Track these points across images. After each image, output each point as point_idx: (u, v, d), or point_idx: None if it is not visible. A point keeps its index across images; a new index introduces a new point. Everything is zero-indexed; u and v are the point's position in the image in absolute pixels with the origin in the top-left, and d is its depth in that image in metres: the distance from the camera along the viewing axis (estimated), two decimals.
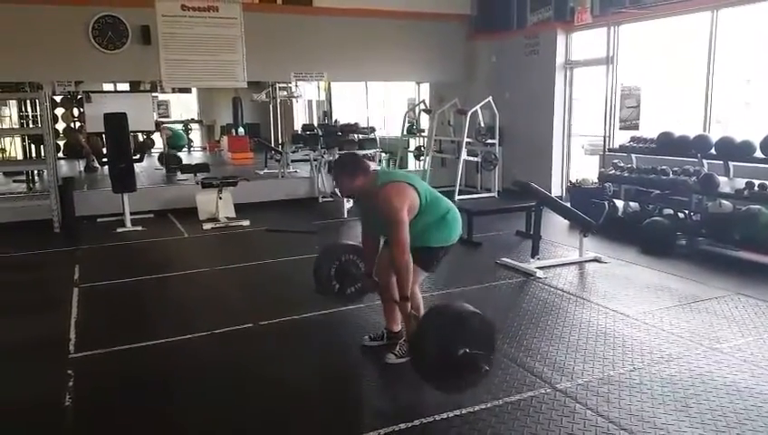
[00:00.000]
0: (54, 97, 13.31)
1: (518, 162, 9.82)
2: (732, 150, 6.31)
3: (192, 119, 19.52)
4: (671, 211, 6.75)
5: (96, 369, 3.75)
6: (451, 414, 3.02)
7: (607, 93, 7.86)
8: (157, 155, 14.50)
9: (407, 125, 11.88)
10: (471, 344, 2.95)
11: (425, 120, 11.97)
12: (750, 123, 7.25)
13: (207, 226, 7.88)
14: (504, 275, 5.50)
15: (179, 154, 14.77)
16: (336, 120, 14.45)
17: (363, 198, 3.58)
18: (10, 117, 14.88)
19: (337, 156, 9.34)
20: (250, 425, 3.06)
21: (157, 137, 15.14)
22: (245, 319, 4.41)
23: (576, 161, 9.50)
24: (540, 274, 5.41)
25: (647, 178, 6.94)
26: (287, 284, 5.48)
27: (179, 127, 17.72)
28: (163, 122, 15.41)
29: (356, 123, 11.79)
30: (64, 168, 13.04)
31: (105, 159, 8.08)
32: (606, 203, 6.67)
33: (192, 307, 4.94)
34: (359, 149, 10.67)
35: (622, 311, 4.47)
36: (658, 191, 6.85)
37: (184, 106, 19.69)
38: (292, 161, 12.37)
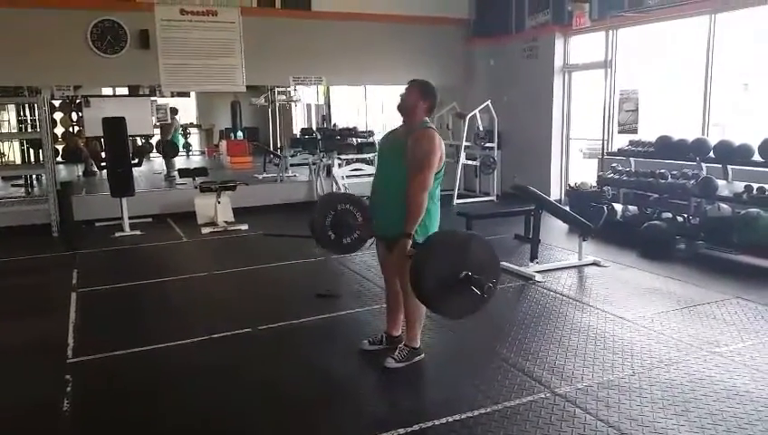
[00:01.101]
0: (53, 101, 13.32)
1: (517, 166, 9.82)
2: (730, 154, 6.32)
3: (191, 123, 19.53)
4: (670, 215, 6.75)
5: (94, 374, 3.74)
6: (450, 419, 3.01)
7: (605, 97, 7.87)
8: (156, 160, 14.48)
9: None
10: (473, 267, 2.97)
11: None
12: (748, 126, 7.26)
13: (206, 230, 7.88)
14: (503, 278, 5.47)
15: (174, 160, 14.71)
16: (335, 124, 14.48)
17: (398, 131, 3.62)
18: (8, 121, 14.88)
19: (338, 161, 9.34)
20: (248, 430, 3.05)
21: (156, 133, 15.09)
22: (244, 324, 4.40)
23: (575, 165, 9.51)
24: (539, 277, 5.40)
25: (645, 181, 6.94)
26: (286, 288, 5.48)
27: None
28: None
29: (355, 127, 11.81)
30: (63, 172, 13.03)
31: (104, 164, 8.07)
32: (605, 207, 6.68)
33: (190, 312, 4.93)
34: (357, 153, 10.71)
35: (621, 315, 4.46)
36: (657, 195, 6.85)
37: (183, 110, 19.67)
38: (291, 165, 12.37)
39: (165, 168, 12.78)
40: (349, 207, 3.91)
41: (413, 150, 3.37)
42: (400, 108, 3.59)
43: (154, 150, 15.69)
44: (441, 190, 3.65)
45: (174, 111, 14.52)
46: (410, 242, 3.30)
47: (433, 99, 3.55)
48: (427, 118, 3.55)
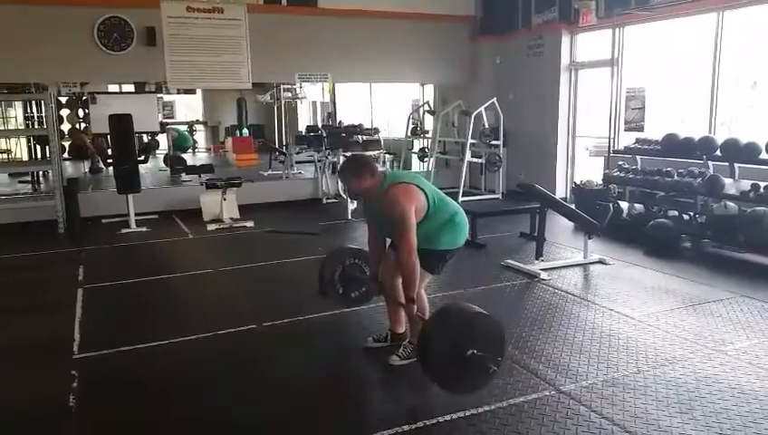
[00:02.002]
0: (60, 98, 13.35)
1: (522, 164, 9.80)
2: (737, 152, 6.29)
3: (197, 120, 19.55)
4: (676, 213, 6.73)
5: (100, 369, 3.76)
6: (455, 416, 3.01)
7: (612, 95, 7.84)
8: (162, 156, 14.52)
9: (411, 126, 11.88)
10: (479, 346, 2.95)
11: (429, 122, 11.96)
12: (756, 124, 7.22)
13: (211, 227, 7.90)
14: (509, 276, 5.49)
15: (184, 156, 14.79)
16: (340, 122, 14.45)
17: (370, 200, 3.56)
18: (15, 118, 14.95)
19: (343, 158, 9.35)
20: (253, 426, 3.06)
21: (162, 138, 15.16)
22: (249, 320, 4.41)
23: (580, 163, 9.48)
24: (544, 275, 5.39)
25: (651, 179, 6.92)
26: (291, 285, 5.48)
27: (184, 128, 17.76)
28: (168, 123, 15.43)
29: (360, 124, 11.80)
30: (69, 169, 13.06)
31: (110, 160, 8.10)
32: (610, 205, 6.64)
33: (196, 308, 4.94)
34: (363, 151, 10.68)
35: (627, 313, 4.45)
36: (663, 193, 6.83)
37: (188, 107, 19.72)
38: (297, 162, 12.38)
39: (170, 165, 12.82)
40: (357, 262, 3.95)
41: (388, 219, 3.35)
42: (356, 197, 3.66)
43: (160, 148, 15.75)
44: (445, 188, 3.66)
45: (167, 107, 14.45)
46: (416, 307, 3.34)
47: (366, 166, 3.48)
48: (382, 171, 3.53)
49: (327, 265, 3.98)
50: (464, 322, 3.04)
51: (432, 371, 3.05)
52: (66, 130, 14.29)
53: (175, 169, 12.52)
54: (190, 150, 17.46)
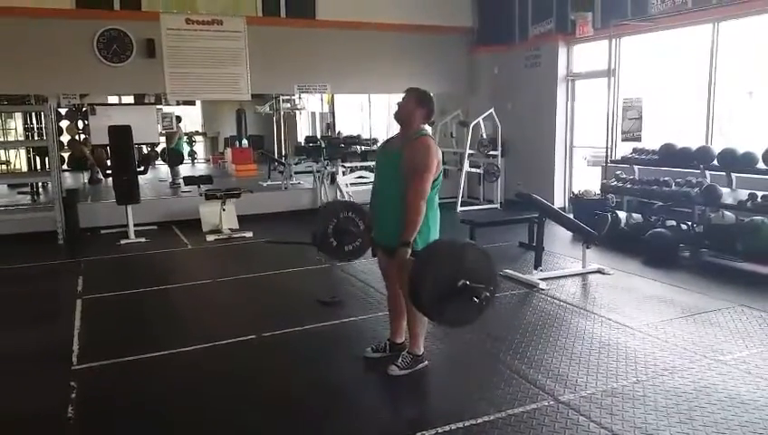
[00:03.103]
0: (59, 109, 13.40)
1: (520, 174, 9.83)
2: (734, 162, 6.31)
3: (196, 131, 19.60)
4: (674, 223, 6.75)
5: (99, 380, 3.75)
6: (453, 427, 3.01)
7: (609, 105, 7.88)
8: (162, 161, 14.57)
9: None
10: (470, 276, 2.98)
11: None
12: (752, 134, 7.25)
13: (211, 237, 7.90)
14: (507, 286, 5.48)
15: (182, 166, 14.78)
16: (339, 132, 14.53)
17: (391, 145, 3.63)
18: (15, 129, 14.99)
19: (341, 168, 9.37)
20: None
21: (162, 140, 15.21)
22: (248, 331, 4.41)
23: (578, 173, 9.50)
24: (543, 285, 5.40)
25: (649, 189, 6.94)
26: (290, 295, 5.49)
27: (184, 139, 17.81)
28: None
29: (359, 135, 11.86)
30: (69, 180, 13.09)
31: (109, 171, 8.11)
32: (608, 214, 6.66)
33: (195, 319, 4.95)
34: (362, 161, 10.74)
35: (625, 322, 4.46)
36: (661, 203, 6.85)
37: (188, 118, 19.76)
38: (296, 173, 12.40)
39: (170, 175, 12.85)
40: (351, 215, 3.92)
41: (410, 160, 3.36)
42: (397, 116, 3.57)
43: (159, 159, 15.81)
44: (444, 198, 3.67)
45: (178, 119, 14.63)
46: (409, 251, 3.28)
47: (429, 106, 3.53)
48: (425, 126, 3.55)
49: (320, 219, 3.94)
50: (454, 254, 3.07)
51: (425, 305, 3.06)
52: (66, 142, 14.34)
53: (172, 162, 12.52)
54: (189, 159, 17.46)
